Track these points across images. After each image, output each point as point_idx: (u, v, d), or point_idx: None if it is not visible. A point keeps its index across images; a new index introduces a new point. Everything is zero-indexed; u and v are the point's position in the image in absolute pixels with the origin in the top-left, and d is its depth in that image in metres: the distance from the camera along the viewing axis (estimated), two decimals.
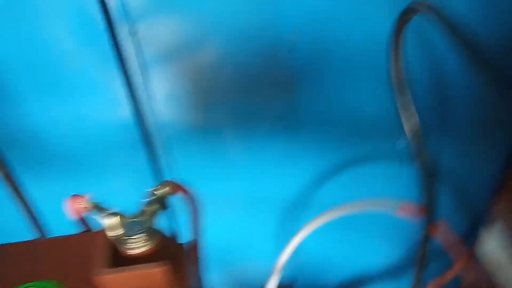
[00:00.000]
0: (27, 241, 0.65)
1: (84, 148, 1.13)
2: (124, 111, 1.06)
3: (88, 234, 0.65)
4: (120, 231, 0.57)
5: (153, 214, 0.58)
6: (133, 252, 0.56)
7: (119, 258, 0.57)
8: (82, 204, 0.60)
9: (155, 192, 0.60)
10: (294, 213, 1.29)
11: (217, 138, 1.14)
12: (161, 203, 0.59)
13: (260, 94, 1.05)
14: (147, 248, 0.56)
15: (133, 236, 0.56)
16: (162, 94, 1.03)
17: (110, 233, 0.57)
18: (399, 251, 1.38)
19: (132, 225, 0.57)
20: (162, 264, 0.55)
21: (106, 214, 0.58)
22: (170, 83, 1.01)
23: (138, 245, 0.56)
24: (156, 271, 0.55)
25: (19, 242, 0.64)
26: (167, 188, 0.60)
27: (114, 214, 0.58)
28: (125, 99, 1.03)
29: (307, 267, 1.44)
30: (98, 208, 0.59)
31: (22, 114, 1.07)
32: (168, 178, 1.15)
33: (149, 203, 0.58)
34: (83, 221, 0.67)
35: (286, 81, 1.02)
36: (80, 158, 1.15)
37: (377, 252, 1.42)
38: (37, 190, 1.09)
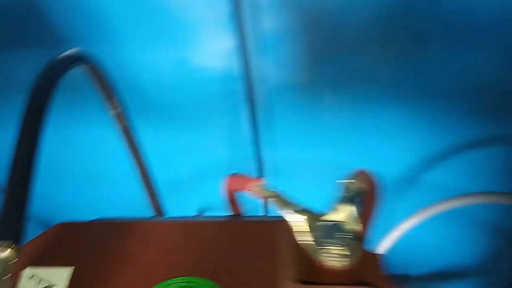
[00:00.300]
0: (172, 219, 0.51)
1: (184, 98, 1.09)
2: (231, 62, 1.00)
3: (260, 223, 0.50)
4: (309, 235, 0.41)
5: (357, 215, 0.42)
6: (327, 264, 0.41)
7: (308, 269, 0.44)
8: (255, 190, 0.44)
9: (352, 184, 0.44)
10: (396, 193, 1.14)
11: (320, 100, 1.06)
12: (360, 200, 0.43)
13: (380, 53, 0.94)
14: (348, 264, 0.40)
15: (327, 243, 0.40)
16: (272, 48, 0.95)
17: (302, 237, 0.41)
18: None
19: (326, 228, 0.41)
20: None
21: (291, 211, 0.43)
22: (282, 37, 0.93)
23: (334, 257, 0.40)
24: None
25: (161, 220, 0.50)
26: (361, 182, 0.44)
27: (301, 212, 0.42)
28: (234, 50, 0.97)
29: (399, 254, 1.32)
30: (280, 200, 0.43)
31: (125, 61, 1.03)
32: (264, 137, 1.07)
33: (344, 201, 0.42)
34: (234, 204, 0.53)
35: (416, 39, 0.90)
36: (179, 107, 1.12)
37: (478, 245, 1.30)
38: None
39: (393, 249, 1.10)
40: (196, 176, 1.24)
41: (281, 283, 0.41)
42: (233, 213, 0.57)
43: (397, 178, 1.16)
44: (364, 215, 0.52)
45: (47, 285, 0.47)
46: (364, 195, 0.45)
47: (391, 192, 1.19)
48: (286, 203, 0.44)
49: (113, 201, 1.31)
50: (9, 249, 0.40)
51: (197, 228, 0.51)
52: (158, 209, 0.87)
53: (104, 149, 1.20)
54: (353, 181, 0.45)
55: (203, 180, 1.25)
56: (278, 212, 0.44)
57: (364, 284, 0.40)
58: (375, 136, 1.09)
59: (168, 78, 1.05)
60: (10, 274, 0.40)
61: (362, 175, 0.45)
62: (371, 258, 0.46)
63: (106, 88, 0.66)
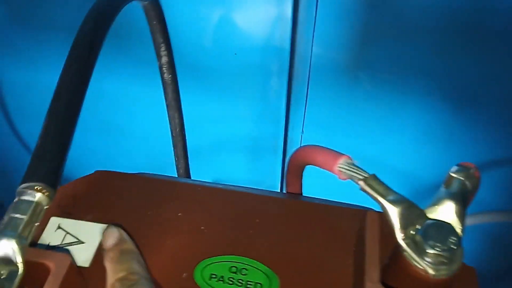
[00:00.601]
0: (220, 185, 0.42)
1: (221, 63, 1.04)
2: (277, 32, 0.94)
3: (332, 207, 0.42)
4: (403, 232, 0.33)
5: (460, 216, 0.34)
6: (423, 272, 0.33)
7: (394, 272, 0.36)
8: (340, 168, 0.36)
9: (457, 180, 0.36)
10: (421, 197, 1.10)
11: (359, 87, 1.00)
12: (465, 200, 0.35)
13: (439, 46, 0.87)
14: (447, 274, 0.32)
15: (425, 245, 0.32)
16: (322, 23, 0.90)
17: (396, 232, 0.33)
18: None
19: (425, 227, 0.33)
20: None
21: (386, 198, 0.34)
22: (335, 13, 0.87)
23: (430, 262, 0.32)
24: None
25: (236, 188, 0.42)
26: (473, 178, 0.36)
27: (398, 201, 0.34)
28: (283, 19, 0.91)
29: None
30: (374, 184, 0.35)
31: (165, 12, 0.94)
32: (293, 116, 1.03)
33: (454, 198, 0.34)
34: (298, 180, 0.44)
35: (487, 38, 0.83)
36: (213, 72, 1.06)
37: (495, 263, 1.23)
38: None
39: None
40: (217, 145, 1.19)
41: (357, 283, 0.32)
42: (291, 191, 0.48)
43: (425, 182, 1.11)
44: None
45: (74, 241, 0.39)
46: (468, 195, 0.36)
47: (417, 195, 1.13)
48: (380, 189, 0.35)
49: (138, 158, 1.26)
50: (41, 194, 0.34)
51: (252, 201, 0.43)
52: (185, 172, 0.80)
53: (135, 102, 1.14)
54: (458, 175, 0.37)
55: (223, 151, 1.21)
56: (370, 197, 0.36)
57: None
58: (411, 134, 1.03)
59: (207, 39, 1.00)
60: (38, 223, 0.34)
61: (470, 170, 0.37)
62: (467, 272, 0.38)
63: (160, 31, 0.58)
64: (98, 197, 0.43)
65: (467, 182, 0.37)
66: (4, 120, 1.32)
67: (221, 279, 0.38)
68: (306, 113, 1.09)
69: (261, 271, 0.38)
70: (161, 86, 0.72)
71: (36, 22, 1.07)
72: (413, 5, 0.85)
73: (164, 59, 0.66)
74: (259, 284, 0.38)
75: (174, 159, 0.84)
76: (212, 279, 0.38)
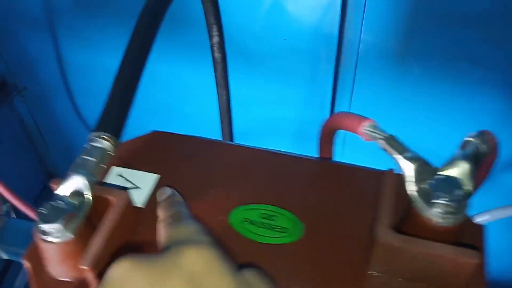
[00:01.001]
0: (265, 150, 0.48)
1: (270, 48, 1.08)
2: (327, 18, 0.98)
3: (359, 169, 0.48)
4: (417, 185, 0.38)
5: (471, 175, 0.38)
6: (431, 221, 0.38)
7: (408, 221, 0.41)
8: (366, 130, 0.41)
9: (473, 144, 0.40)
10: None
11: (407, 74, 1.02)
12: (477, 162, 0.39)
13: (494, 34, 0.89)
14: (453, 223, 0.36)
15: (434, 197, 0.36)
16: (372, 9, 0.92)
17: (409, 186, 0.38)
18: None
19: (436, 181, 0.37)
20: (475, 254, 0.37)
21: (402, 155, 0.39)
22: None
23: (443, 215, 0.36)
24: (464, 261, 0.38)
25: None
26: (488, 144, 0.40)
27: (413, 159, 0.39)
28: (335, 5, 0.94)
29: None
30: (392, 143, 0.40)
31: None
32: (339, 102, 1.04)
33: (467, 158, 0.38)
34: (330, 146, 0.49)
35: None
36: (262, 56, 1.10)
37: None
38: None
39: None
40: (263, 128, 1.23)
41: (374, 229, 0.37)
42: (323, 155, 0.53)
43: None
44: (476, 179, 0.48)
45: (131, 186, 0.46)
46: (482, 157, 0.41)
47: None
48: (399, 147, 0.40)
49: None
50: (108, 142, 0.41)
51: (286, 161, 0.49)
52: None
53: (187, 82, 1.19)
54: (474, 139, 0.41)
55: (269, 133, 1.24)
56: (389, 156, 0.40)
57: (464, 245, 0.36)
58: (460, 123, 1.03)
59: (258, 23, 1.03)
60: (105, 165, 0.41)
61: (485, 135, 0.41)
62: (475, 227, 0.42)
63: (212, 12, 0.64)
64: (153, 152, 0.50)
65: (481, 146, 0.41)
66: (68, 100, 1.41)
67: (252, 222, 0.43)
68: (352, 99, 1.11)
69: (288, 217, 0.44)
70: (211, 65, 0.77)
71: (98, 8, 1.14)
72: None
73: (215, 39, 0.71)
74: (285, 228, 0.43)
75: (221, 136, 0.90)
76: (245, 222, 0.44)
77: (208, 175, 0.48)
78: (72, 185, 0.39)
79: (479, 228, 0.43)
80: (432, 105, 1.05)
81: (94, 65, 1.28)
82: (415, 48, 0.98)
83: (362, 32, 0.99)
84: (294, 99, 1.17)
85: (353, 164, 0.49)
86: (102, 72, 1.11)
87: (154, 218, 0.44)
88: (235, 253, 0.41)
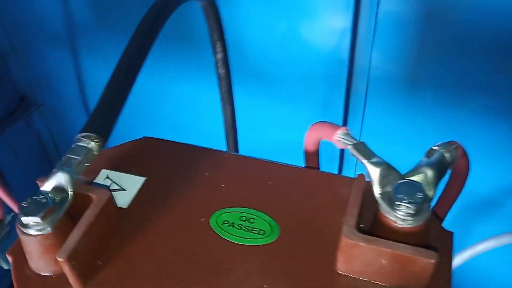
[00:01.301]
0: (249, 157, 0.51)
1: (284, 71, 1.10)
2: (339, 44, 1.00)
3: (335, 176, 0.50)
4: (381, 189, 0.40)
5: (433, 181, 0.40)
6: (394, 222, 0.40)
7: (373, 222, 0.43)
8: (339, 137, 0.44)
9: (438, 152, 0.42)
10: (478, 214, 1.09)
11: (417, 100, 1.04)
12: (441, 170, 0.41)
13: (503, 64, 0.89)
14: (413, 224, 0.38)
15: (397, 200, 0.39)
16: (382, 36, 0.94)
17: (375, 189, 0.40)
18: None
19: (398, 185, 0.39)
20: (433, 254, 0.39)
21: (368, 161, 0.41)
22: (395, 26, 0.92)
23: (403, 216, 0.39)
24: (422, 261, 0.39)
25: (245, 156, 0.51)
26: (454, 152, 0.42)
27: (378, 164, 0.41)
28: (345, 31, 0.96)
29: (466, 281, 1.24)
30: (360, 149, 0.42)
31: (236, 20, 1.04)
32: (351, 127, 1.06)
33: (430, 165, 0.40)
34: (315, 157, 0.52)
35: None
36: (276, 79, 1.13)
37: None
38: None
39: (461, 271, 1.04)
40: (272, 150, 1.24)
41: (343, 231, 0.39)
42: (310, 165, 0.56)
43: (483, 198, 1.10)
44: (447, 192, 0.49)
45: (117, 188, 0.49)
46: (447, 166, 0.43)
47: (472, 212, 1.13)
48: (366, 153, 0.42)
49: None
50: (93, 142, 0.43)
51: (269, 168, 0.52)
52: None
53: (193, 97, 1.22)
54: (439, 148, 0.43)
55: (277, 156, 1.25)
56: (357, 160, 0.43)
57: (425, 246, 0.38)
58: (470, 150, 1.03)
59: (273, 47, 1.06)
60: (89, 164, 0.43)
61: (451, 145, 0.43)
62: (442, 234, 0.44)
63: (216, 29, 0.67)
64: (141, 156, 0.53)
65: (446, 154, 0.44)
66: (86, 117, 1.45)
67: (231, 225, 0.46)
68: (363, 124, 1.13)
69: (265, 221, 0.47)
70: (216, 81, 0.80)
71: (118, 24, 1.19)
72: (471, 20, 0.88)
73: (219, 55, 0.75)
74: (262, 231, 0.46)
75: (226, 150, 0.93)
76: (224, 224, 0.46)
77: (193, 180, 0.50)
78: (55, 181, 0.42)
79: (448, 234, 0.45)
80: (443, 132, 1.06)
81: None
82: (425, 75, 1.00)
83: (371, 58, 1.00)
84: (305, 122, 1.18)
85: (333, 173, 0.51)
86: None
87: (137, 219, 0.47)
88: (214, 253, 0.43)
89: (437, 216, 0.50)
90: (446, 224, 1.10)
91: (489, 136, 1.00)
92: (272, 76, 1.09)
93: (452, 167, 0.44)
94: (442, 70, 0.95)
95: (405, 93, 1.02)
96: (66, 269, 0.40)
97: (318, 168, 0.54)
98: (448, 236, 0.43)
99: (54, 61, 1.32)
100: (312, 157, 0.53)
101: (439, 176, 0.41)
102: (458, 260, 0.91)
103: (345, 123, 1.10)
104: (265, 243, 0.45)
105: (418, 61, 0.96)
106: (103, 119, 0.46)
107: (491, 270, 1.18)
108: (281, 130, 1.20)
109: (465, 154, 0.45)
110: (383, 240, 0.39)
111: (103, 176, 0.50)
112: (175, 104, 1.28)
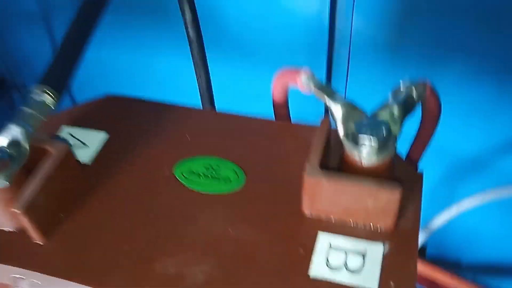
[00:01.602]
0: (213, 111, 0.50)
1: (263, 38, 1.08)
2: (319, 9, 0.98)
3: (302, 126, 0.50)
4: (345, 127, 0.39)
5: (398, 117, 0.38)
6: (358, 160, 0.39)
7: (342, 164, 0.42)
8: (301, 81, 0.42)
9: (405, 89, 0.40)
10: (463, 173, 1.08)
11: (400, 64, 1.02)
12: (408, 107, 0.40)
13: (486, 24, 0.88)
14: (377, 161, 0.37)
15: (360, 137, 0.38)
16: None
17: (339, 129, 0.39)
18: None
19: (362, 122, 0.38)
20: (397, 186, 0.38)
21: (332, 101, 0.40)
22: None
23: (366, 153, 0.37)
24: (386, 193, 0.38)
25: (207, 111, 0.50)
26: (421, 90, 0.41)
27: (342, 103, 0.40)
28: None
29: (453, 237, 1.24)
30: (323, 89, 0.41)
31: None
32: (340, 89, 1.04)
33: (395, 102, 0.39)
34: (284, 108, 0.50)
35: None
36: (255, 47, 1.10)
37: None
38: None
39: (448, 229, 1.03)
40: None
41: (306, 169, 0.38)
42: (279, 116, 0.55)
43: (468, 157, 1.10)
44: (420, 134, 0.48)
45: (79, 143, 0.48)
46: (415, 104, 0.41)
47: (458, 171, 1.12)
48: (329, 93, 0.41)
49: None
50: (48, 95, 0.43)
51: (235, 121, 0.50)
52: None
53: (171, 69, 1.20)
54: (406, 87, 0.42)
55: None
56: (321, 101, 0.42)
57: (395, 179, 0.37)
58: (453, 111, 1.02)
59: (251, 12, 1.03)
60: (44, 118, 0.42)
61: (419, 83, 0.42)
62: (412, 175, 0.43)
63: None
64: (105, 114, 0.52)
65: (413, 92, 0.42)
66: (67, 96, 1.43)
67: (196, 173, 0.45)
68: (347, 90, 1.11)
69: (231, 169, 0.45)
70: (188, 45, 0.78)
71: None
72: None
73: (188, 16, 0.72)
74: (227, 179, 0.45)
75: None
76: (189, 174, 0.45)
77: (158, 134, 0.49)
78: (10, 135, 0.41)
79: (418, 175, 0.43)
80: None
81: (91, 59, 1.30)
82: (408, 37, 0.98)
83: (353, 23, 0.99)
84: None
85: (302, 123, 0.50)
86: (99, 66, 1.14)
87: (101, 174, 0.46)
88: (179, 203, 0.42)
89: (412, 160, 0.48)
90: (433, 183, 1.10)
91: (473, 96, 0.99)
92: (251, 44, 1.07)
93: (422, 108, 0.43)
94: (425, 33, 0.94)
95: (388, 58, 1.01)
96: (25, 222, 0.39)
97: (290, 121, 0.52)
98: (418, 178, 0.42)
99: (31, 41, 1.30)
100: (282, 108, 0.52)
101: (404, 113, 0.40)
102: (445, 217, 0.91)
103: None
104: (231, 191, 0.44)
105: (400, 24, 0.95)
106: (57, 74, 0.45)
107: (478, 227, 1.17)
108: (261, 100, 1.18)
109: (434, 93, 0.43)
110: (345, 175, 0.38)
111: (65, 133, 0.49)
112: (154, 78, 1.26)
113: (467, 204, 0.94)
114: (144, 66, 1.22)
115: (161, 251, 0.40)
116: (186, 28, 0.72)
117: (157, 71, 1.26)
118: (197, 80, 0.80)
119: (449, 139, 1.05)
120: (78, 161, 0.46)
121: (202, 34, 0.76)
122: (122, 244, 0.40)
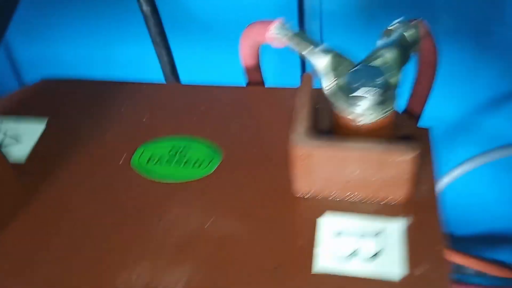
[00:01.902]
0: (175, 84, 0.41)
1: (227, 13, 1.00)
2: None
3: (281, 90, 0.42)
4: (333, 80, 0.30)
5: (395, 62, 0.30)
6: (353, 120, 0.30)
7: (328, 126, 0.34)
8: (275, 33, 0.34)
9: (397, 31, 0.32)
10: (450, 140, 1.06)
11: (372, 28, 0.92)
12: (404, 51, 0.32)
13: None
14: (377, 118, 0.29)
15: (353, 91, 0.29)
16: None
17: (325, 84, 0.30)
18: None
19: (354, 73, 0.30)
20: (410, 146, 0.29)
21: (313, 50, 0.32)
22: None
23: (363, 109, 0.29)
24: (397, 158, 0.30)
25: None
26: (415, 31, 0.33)
27: (326, 51, 0.31)
28: None
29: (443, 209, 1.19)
30: (301, 39, 0.32)
31: None
32: (309, 65, 1.00)
33: (388, 46, 0.31)
34: (257, 71, 0.42)
35: None
36: (220, 23, 1.02)
37: None
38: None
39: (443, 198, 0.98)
40: None
41: (291, 139, 0.30)
42: (252, 82, 0.46)
43: (452, 123, 1.05)
44: (418, 85, 0.40)
45: (11, 142, 0.39)
46: (412, 45, 0.33)
47: (444, 138, 1.09)
48: (308, 42, 0.33)
49: None
50: None
51: (201, 92, 0.41)
52: None
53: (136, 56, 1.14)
54: (398, 27, 0.33)
55: None
56: (299, 54, 0.33)
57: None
58: (440, 74, 0.98)
59: None
60: None
61: (412, 22, 0.33)
62: (417, 131, 0.35)
63: None
64: (42, 100, 0.43)
65: (406, 33, 0.34)
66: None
67: (158, 161, 0.36)
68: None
69: (201, 149, 0.37)
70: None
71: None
72: None
73: None
74: (198, 161, 0.36)
75: None
76: (150, 162, 0.36)
77: (107, 117, 0.41)
78: None
79: (424, 131, 0.35)
80: None
81: (44, 56, 1.23)
82: (382, 3, 0.94)
83: None
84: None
85: (278, 87, 0.41)
86: (54, 63, 1.06)
87: (41, 171, 0.38)
88: (140, 199, 0.34)
89: (412, 114, 0.40)
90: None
91: (456, 58, 0.94)
92: (216, 23, 1.00)
93: (417, 53, 0.35)
94: None
95: (362, 27, 0.96)
96: None
97: (263, 85, 0.44)
98: (424, 133, 0.34)
99: None
100: (254, 72, 0.43)
101: (401, 58, 0.32)
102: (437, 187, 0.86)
103: (303, 70, 1.03)
104: (204, 175, 0.35)
105: None
106: None
107: (468, 196, 1.14)
108: (225, 79, 1.13)
109: (429, 35, 0.35)
110: (342, 139, 0.29)
111: None
112: (115, 64, 1.19)
113: (456, 172, 0.89)
114: (103, 52, 1.16)
115: (125, 259, 0.31)
116: (140, 3, 0.64)
117: (118, 56, 1.20)
118: (159, 60, 0.72)
119: (431, 105, 1.00)
120: (7, 162, 0.36)
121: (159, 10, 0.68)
122: (75, 257, 0.31)
